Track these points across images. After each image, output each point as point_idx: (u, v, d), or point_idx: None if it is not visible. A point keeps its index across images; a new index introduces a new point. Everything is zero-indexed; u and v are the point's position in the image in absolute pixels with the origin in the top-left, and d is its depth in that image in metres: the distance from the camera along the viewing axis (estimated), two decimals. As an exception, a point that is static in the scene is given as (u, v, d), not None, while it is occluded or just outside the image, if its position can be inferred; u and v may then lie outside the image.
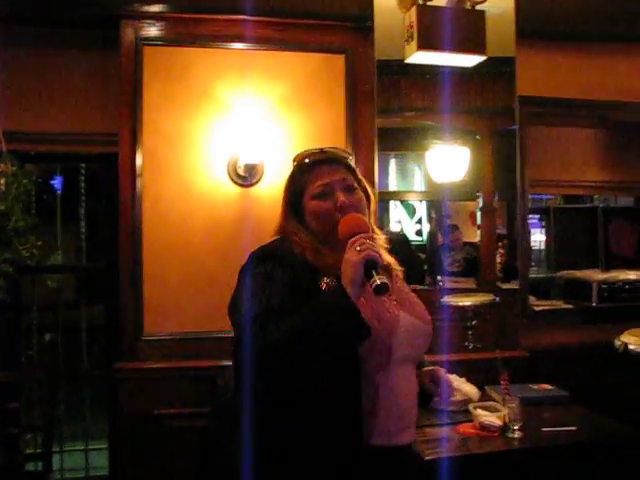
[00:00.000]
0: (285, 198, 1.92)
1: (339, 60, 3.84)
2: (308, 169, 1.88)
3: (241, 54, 3.71)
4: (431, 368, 2.03)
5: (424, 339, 1.92)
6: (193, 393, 3.48)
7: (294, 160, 1.95)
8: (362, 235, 1.65)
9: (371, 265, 1.58)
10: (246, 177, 3.68)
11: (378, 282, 1.54)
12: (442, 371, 2.02)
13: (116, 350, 3.71)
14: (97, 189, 4.49)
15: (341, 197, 1.81)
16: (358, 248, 1.60)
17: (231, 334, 1.66)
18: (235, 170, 3.68)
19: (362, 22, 3.83)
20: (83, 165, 4.54)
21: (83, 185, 4.59)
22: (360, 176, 1.95)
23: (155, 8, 3.65)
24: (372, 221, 1.92)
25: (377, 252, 1.62)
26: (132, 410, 3.52)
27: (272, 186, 3.71)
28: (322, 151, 1.91)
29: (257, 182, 3.71)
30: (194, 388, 3.48)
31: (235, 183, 3.70)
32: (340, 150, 1.99)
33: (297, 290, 1.66)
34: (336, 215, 1.79)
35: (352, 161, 2.01)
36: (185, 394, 3.51)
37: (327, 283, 1.71)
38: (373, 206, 1.95)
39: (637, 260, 5.17)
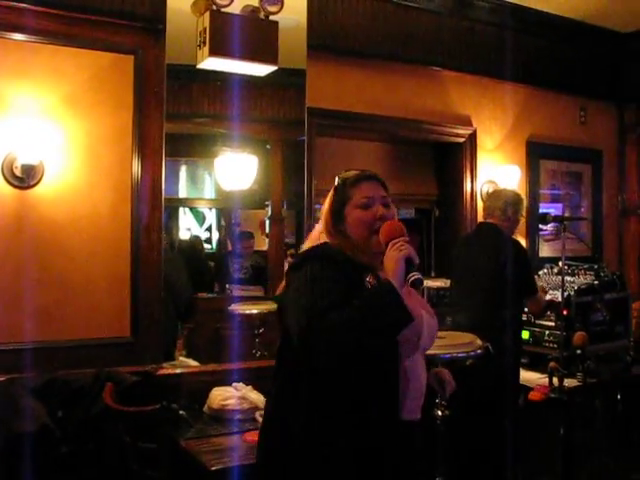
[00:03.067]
0: (329, 207, 2.17)
1: (128, 61, 3.68)
2: (353, 183, 2.16)
3: (21, 46, 3.42)
4: (438, 370, 2.42)
5: (435, 332, 2.22)
6: None
7: (339, 177, 2.22)
8: (402, 238, 1.98)
9: (409, 262, 1.90)
10: (24, 178, 3.41)
11: (416, 276, 1.87)
12: (445, 373, 2.40)
13: None
14: None
15: (381, 209, 2.11)
16: (400, 248, 1.93)
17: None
18: (11, 170, 3.39)
19: (153, 24, 3.71)
20: None
21: None
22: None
23: None
24: None
25: (413, 252, 1.93)
26: None
27: (53, 188, 3.49)
28: (363, 170, 2.22)
29: (36, 184, 3.45)
30: None
31: (11, 185, 3.40)
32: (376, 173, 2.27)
33: (346, 285, 1.94)
34: (376, 224, 2.09)
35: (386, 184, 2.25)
36: None
37: (369, 281, 2.02)
38: None
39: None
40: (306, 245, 2.23)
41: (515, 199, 4.15)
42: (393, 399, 2.02)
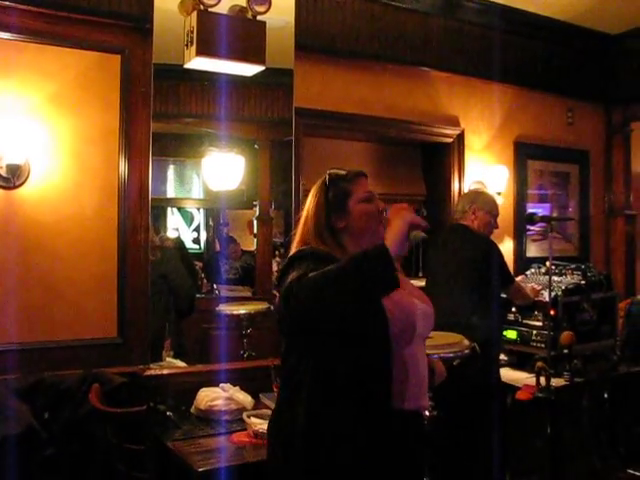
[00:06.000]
0: (323, 204, 2.16)
1: (115, 60, 3.66)
2: (352, 179, 2.20)
3: (5, 44, 3.39)
4: (429, 359, 2.33)
5: (431, 319, 2.21)
6: None
7: (330, 174, 2.21)
8: (407, 208, 1.99)
9: (413, 228, 1.89)
10: (9, 178, 3.38)
11: (421, 234, 1.90)
12: (436, 363, 2.41)
13: None
14: None
15: (382, 203, 2.18)
16: (403, 215, 1.90)
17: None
18: (-4, 171, 3.38)
19: (141, 23, 3.70)
20: None
21: None
22: None
23: None
24: None
25: (418, 218, 1.91)
26: None
27: (39, 188, 3.46)
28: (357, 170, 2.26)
29: (22, 184, 3.43)
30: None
31: (-4, 185, 3.40)
32: None
33: None
34: (381, 216, 2.15)
35: None
36: None
37: None
38: None
39: (403, 266, 5.47)
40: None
41: (478, 198, 4.15)
42: (387, 390, 1.99)
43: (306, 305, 1.79)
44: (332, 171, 2.23)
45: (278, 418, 2.13)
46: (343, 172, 2.22)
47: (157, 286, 3.88)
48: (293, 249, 2.14)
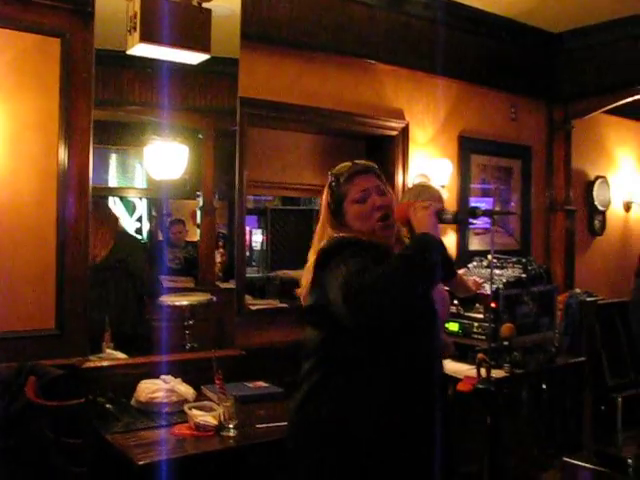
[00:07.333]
0: (326, 205, 2.27)
1: (55, 44, 3.56)
2: (347, 180, 2.24)
3: None
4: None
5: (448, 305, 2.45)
6: None
7: (331, 174, 2.29)
8: (421, 201, 2.12)
9: (440, 214, 2.07)
10: (-59, 164, 3.28)
11: (450, 214, 2.08)
12: None
13: None
14: None
15: (377, 200, 2.20)
16: (424, 206, 2.07)
17: None
18: None
19: (82, 6, 3.61)
20: None
21: None
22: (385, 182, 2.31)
23: None
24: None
25: (440, 205, 2.06)
26: None
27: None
28: (355, 163, 2.29)
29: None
30: None
31: None
32: (368, 162, 2.35)
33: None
34: (374, 214, 2.19)
35: (379, 171, 2.34)
36: None
37: None
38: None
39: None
40: (316, 241, 2.27)
41: (424, 192, 4.18)
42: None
43: (378, 302, 1.86)
44: (333, 171, 2.30)
45: (308, 403, 2.25)
46: (343, 170, 2.27)
47: (113, 271, 3.86)
48: (317, 241, 2.26)
